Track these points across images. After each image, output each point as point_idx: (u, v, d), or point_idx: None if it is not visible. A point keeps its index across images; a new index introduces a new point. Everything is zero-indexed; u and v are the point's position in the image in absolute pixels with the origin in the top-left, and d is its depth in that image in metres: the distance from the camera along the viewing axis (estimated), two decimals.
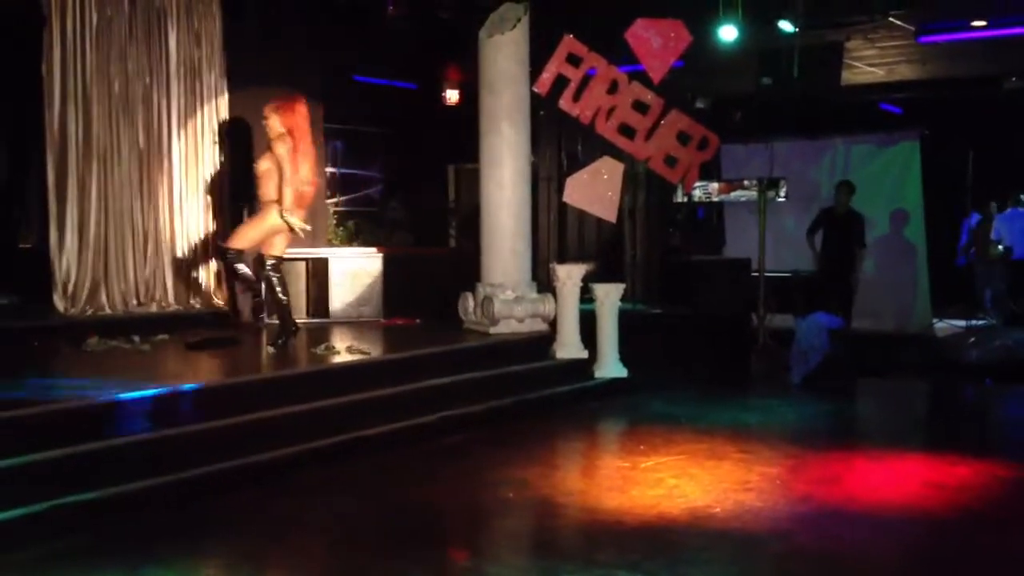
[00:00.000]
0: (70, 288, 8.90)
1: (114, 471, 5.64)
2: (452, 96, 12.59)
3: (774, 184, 10.90)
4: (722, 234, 12.62)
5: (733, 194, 11.74)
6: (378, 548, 5.10)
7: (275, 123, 7.91)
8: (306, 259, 10.21)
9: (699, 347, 10.01)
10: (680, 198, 12.14)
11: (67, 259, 8.90)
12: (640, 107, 9.08)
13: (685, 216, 12.29)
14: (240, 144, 10.06)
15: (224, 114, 9.95)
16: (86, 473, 5.55)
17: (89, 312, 8.91)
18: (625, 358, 9.11)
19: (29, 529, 5.10)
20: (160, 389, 6.73)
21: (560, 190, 10.10)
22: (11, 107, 10.13)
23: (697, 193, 11.63)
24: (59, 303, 8.86)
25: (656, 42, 8.89)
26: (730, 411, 8.38)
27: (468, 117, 9.85)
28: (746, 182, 11.43)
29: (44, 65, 8.76)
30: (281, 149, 7.82)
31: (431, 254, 11.14)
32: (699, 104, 12.19)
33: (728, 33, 10.35)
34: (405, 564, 4.82)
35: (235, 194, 9.95)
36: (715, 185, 11.62)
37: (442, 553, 5.12)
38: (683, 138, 9.16)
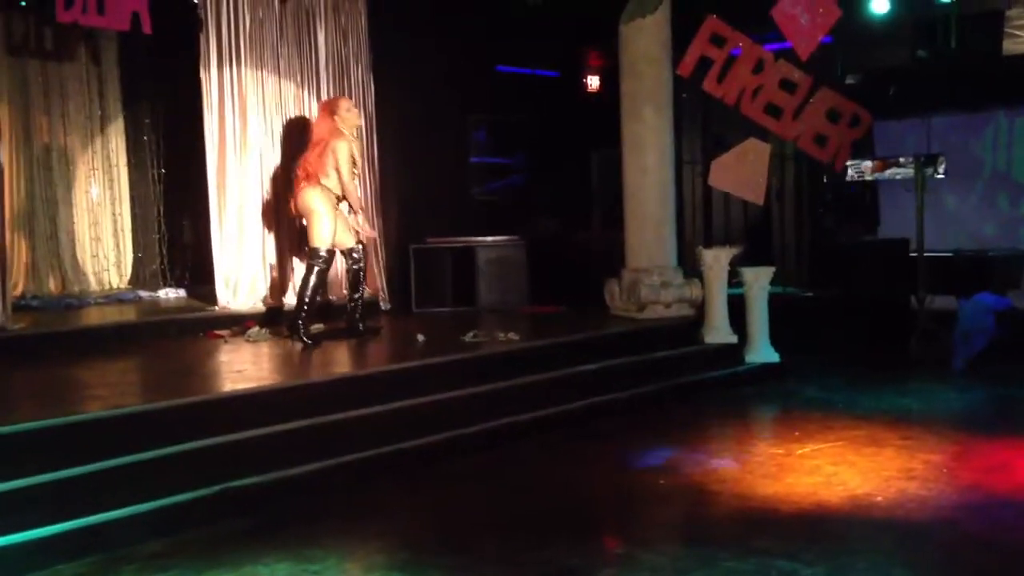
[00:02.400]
0: (231, 281, 9.23)
1: (277, 456, 5.83)
2: (593, 82, 12.53)
3: (932, 160, 10.43)
4: (877, 214, 12.17)
5: (888, 172, 11.27)
6: (530, 535, 5.11)
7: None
8: (451, 247, 10.33)
9: (854, 331, 9.69)
10: (832, 177, 11.76)
11: (227, 253, 9.23)
12: (787, 86, 8.85)
13: (836, 196, 11.89)
14: (388, 137, 10.25)
15: (371, 108, 10.13)
16: (251, 458, 5.75)
17: (250, 304, 9.22)
18: (776, 342, 8.91)
19: (199, 512, 5.32)
20: (316, 378, 6.99)
21: (705, 173, 9.95)
22: (172, 109, 10.60)
23: (849, 172, 11.23)
24: (221, 295, 9.21)
25: (804, 18, 8.63)
26: (889, 396, 8.09)
27: (610, 102, 9.79)
28: (901, 159, 10.97)
29: (202, 67, 9.08)
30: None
31: (575, 240, 11.14)
32: (850, 80, 11.76)
33: (880, 5, 9.98)
34: (557, 551, 4.82)
35: (385, 186, 10.16)
36: (868, 163, 11.19)
37: (594, 540, 5.11)
38: (833, 116, 8.88)
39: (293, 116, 9.63)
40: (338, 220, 8.16)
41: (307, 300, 8.01)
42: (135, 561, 4.79)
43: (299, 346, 7.84)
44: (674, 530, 5.44)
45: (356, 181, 8.30)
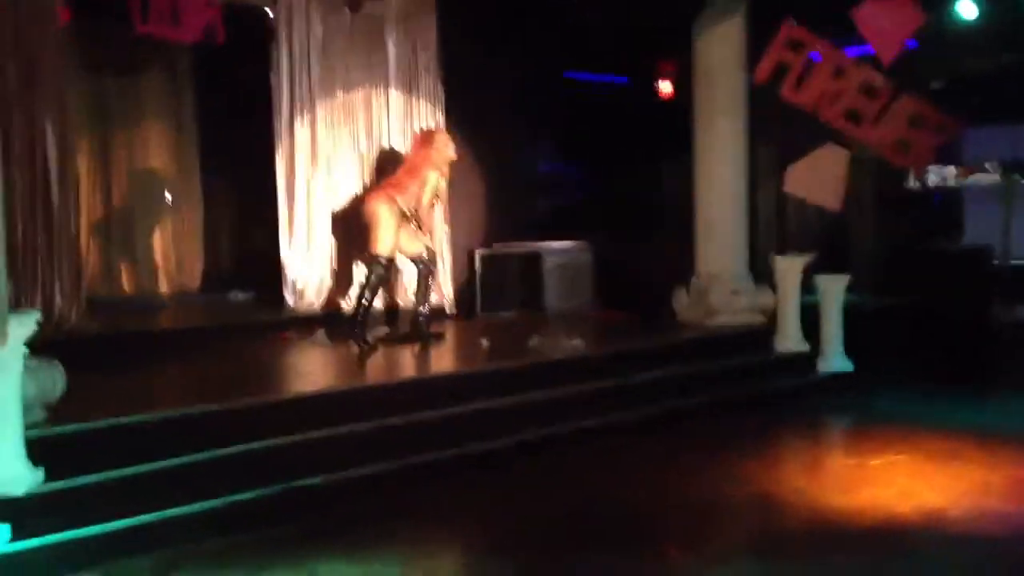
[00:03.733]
0: (299, 285, 9.30)
1: (338, 458, 5.84)
2: (665, 88, 12.40)
3: (1019, 167, 10.12)
4: (960, 221, 11.84)
5: (972, 178, 10.97)
6: (590, 542, 5.05)
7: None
8: (517, 254, 10.29)
9: (933, 341, 9.42)
10: (913, 184, 11.47)
11: (296, 258, 9.30)
12: (868, 91, 8.62)
13: (918, 203, 11.59)
14: (456, 143, 10.21)
15: (440, 117, 10.14)
16: (313, 459, 5.77)
17: (316, 307, 9.27)
18: (851, 352, 8.68)
19: (260, 511, 5.35)
20: (379, 382, 7.01)
21: (779, 180, 9.74)
22: (243, 117, 10.71)
23: (932, 178, 10.94)
24: (289, 299, 9.28)
25: (886, 23, 8.40)
26: (968, 408, 7.86)
27: (681, 109, 9.67)
28: (987, 165, 10.64)
29: (273, 76, 9.17)
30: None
31: (643, 247, 11.00)
32: (934, 85, 11.47)
33: (967, 9, 9.70)
34: (618, 563, 4.74)
35: (453, 192, 10.13)
36: (952, 169, 10.89)
37: (659, 553, 4.99)
38: (916, 122, 8.63)
39: (362, 125, 9.67)
40: (403, 229, 8.27)
41: (365, 305, 8.07)
42: (195, 558, 4.84)
43: (359, 349, 7.85)
44: (741, 543, 5.30)
45: (433, 211, 8.70)
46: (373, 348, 7.79)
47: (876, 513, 5.31)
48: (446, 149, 8.47)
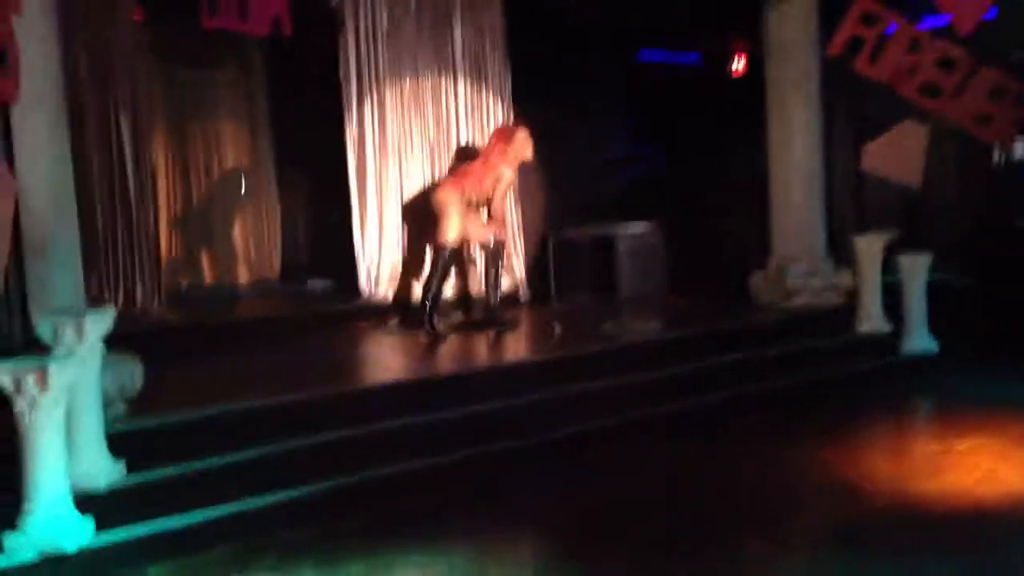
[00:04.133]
0: (372, 273, 9.37)
1: (415, 447, 5.89)
2: (738, 66, 12.19)
3: None
4: None
5: None
6: (665, 532, 5.01)
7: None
8: (590, 237, 10.22)
9: (1020, 320, 9.10)
10: (999, 158, 11.08)
11: (369, 247, 9.37)
12: (946, 64, 8.37)
13: (1005, 177, 11.17)
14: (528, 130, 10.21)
15: (508, 100, 10.10)
16: (390, 448, 5.82)
17: (389, 295, 9.33)
18: (935, 332, 8.44)
19: (338, 501, 5.41)
20: (453, 371, 7.04)
21: (857, 157, 9.54)
22: (315, 107, 10.80)
23: (1020, 151, 10.55)
24: (364, 287, 9.35)
25: None
26: None
27: (754, 87, 9.48)
28: None
29: (341, 68, 9.23)
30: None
31: (717, 229, 10.85)
32: (1016, 55, 11.06)
33: None
34: (696, 549, 4.70)
35: (524, 177, 10.10)
36: None
37: (736, 539, 4.91)
38: (997, 94, 8.36)
39: (431, 112, 9.68)
40: (471, 219, 8.37)
41: (432, 293, 8.17)
42: (270, 550, 4.89)
43: (429, 337, 7.89)
44: (821, 530, 5.18)
45: (505, 203, 8.80)
46: (442, 336, 7.81)
47: (959, 498, 5.18)
48: (525, 148, 8.56)
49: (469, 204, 8.43)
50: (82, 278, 5.80)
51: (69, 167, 5.82)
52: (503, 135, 8.73)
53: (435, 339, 7.75)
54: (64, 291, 5.41)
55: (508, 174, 8.49)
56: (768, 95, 9.02)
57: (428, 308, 8.07)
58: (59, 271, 5.50)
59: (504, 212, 8.77)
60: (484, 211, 8.58)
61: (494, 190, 8.47)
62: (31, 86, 5.42)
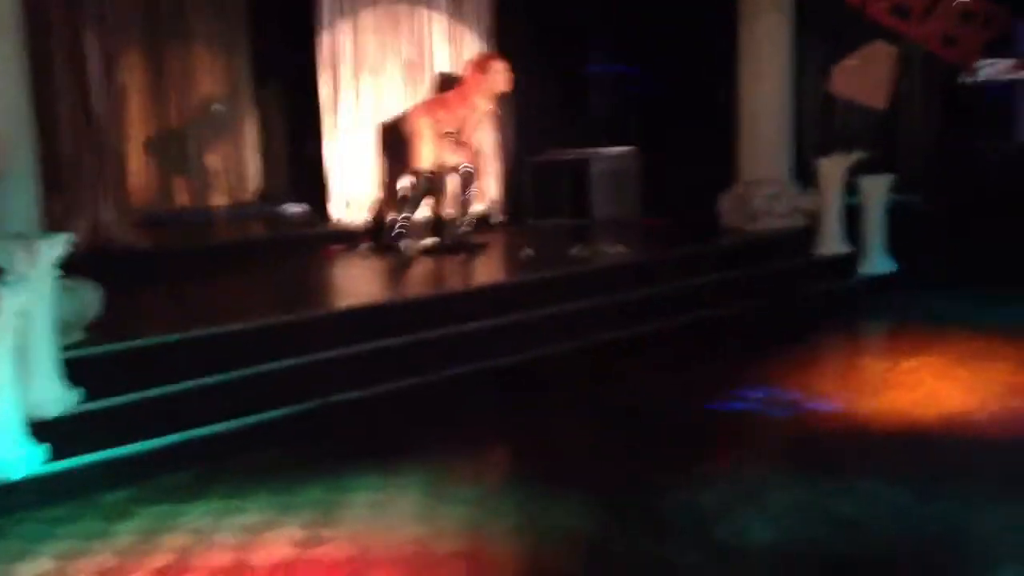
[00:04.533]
0: (345, 198, 9.40)
1: (375, 372, 5.97)
2: None
3: None
4: (1015, 117, 11.38)
5: None
6: (619, 453, 5.15)
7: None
8: (566, 160, 10.24)
9: (981, 241, 9.18)
10: (964, 80, 11.04)
11: (343, 171, 9.38)
12: None
13: (969, 99, 11.16)
14: (506, 47, 10.10)
15: (489, 19, 10.02)
16: (350, 374, 5.90)
17: (362, 220, 9.36)
18: (896, 253, 8.54)
19: (298, 426, 5.51)
20: (416, 295, 7.13)
21: (826, 78, 9.49)
22: (292, 27, 10.69)
23: (985, 72, 10.53)
24: (336, 212, 9.40)
25: None
26: (1011, 309, 7.67)
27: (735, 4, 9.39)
28: None
29: None
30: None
31: (692, 151, 10.85)
32: None
33: None
34: (646, 470, 4.84)
35: (503, 98, 10.05)
36: (1004, 64, 10.44)
37: (684, 460, 5.02)
38: (965, 16, 8.32)
39: (407, 30, 9.61)
40: (445, 143, 8.44)
41: (405, 217, 8.27)
42: (230, 474, 4.99)
43: (397, 260, 7.97)
44: (763, 449, 5.31)
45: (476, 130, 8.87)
46: (410, 260, 7.90)
47: (898, 417, 5.32)
48: (500, 80, 8.60)
49: (441, 131, 8.47)
50: (39, 203, 5.78)
51: (22, 91, 5.78)
52: (480, 65, 8.73)
53: (403, 262, 7.83)
54: (19, 216, 5.40)
55: (483, 105, 8.57)
56: (741, 18, 8.96)
57: (397, 232, 8.13)
58: (14, 196, 5.47)
59: (473, 141, 8.80)
60: (455, 138, 8.61)
61: (467, 119, 8.53)
62: None
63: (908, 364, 6.29)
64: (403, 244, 8.17)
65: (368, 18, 9.37)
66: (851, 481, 4.54)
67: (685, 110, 11.25)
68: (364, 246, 8.74)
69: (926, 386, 5.81)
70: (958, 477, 4.56)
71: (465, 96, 8.62)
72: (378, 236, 8.82)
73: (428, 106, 8.73)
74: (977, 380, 5.86)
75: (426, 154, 8.38)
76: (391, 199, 9.20)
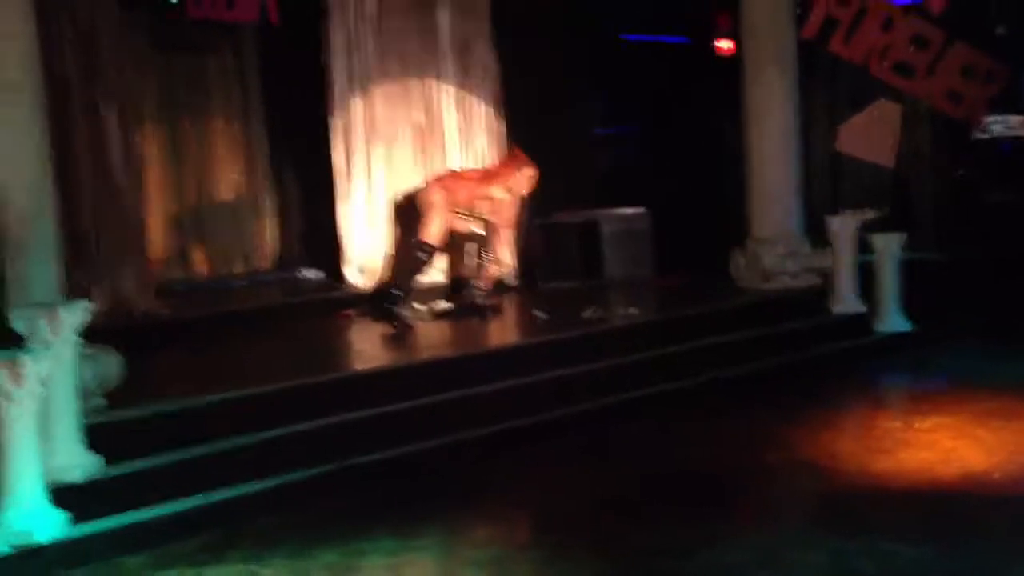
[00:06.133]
0: (359, 264, 9.48)
1: (390, 435, 6.00)
2: (724, 46, 12.22)
3: None
4: None
5: None
6: (637, 513, 5.14)
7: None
8: (576, 222, 10.33)
9: (994, 298, 9.17)
10: (978, 135, 11.14)
11: (357, 237, 9.49)
12: (919, 42, 8.46)
13: (982, 154, 11.25)
14: (513, 113, 10.30)
15: (496, 86, 10.20)
16: (365, 437, 5.94)
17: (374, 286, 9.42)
18: (911, 310, 8.55)
19: (313, 489, 5.53)
20: (432, 357, 7.17)
21: (833, 137, 9.62)
22: (306, 97, 10.89)
23: (997, 128, 10.63)
24: (350, 277, 9.47)
25: None
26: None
27: (740, 66, 9.54)
28: None
29: (324, 54, 9.32)
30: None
31: (704, 210, 10.94)
32: (1000, 31, 11.09)
33: None
34: (664, 531, 4.83)
35: None
36: (1017, 118, 10.55)
37: (699, 519, 5.02)
38: (968, 71, 8.45)
39: (418, 99, 9.77)
40: (455, 215, 8.56)
41: (403, 287, 8.32)
42: (247, 538, 5.00)
43: (397, 328, 7.95)
44: (780, 509, 5.32)
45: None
46: (409, 328, 7.89)
47: (915, 476, 5.31)
48: (525, 181, 8.75)
49: (454, 208, 8.58)
50: (60, 272, 5.88)
51: (47, 161, 5.92)
52: (514, 161, 8.93)
53: (403, 330, 7.84)
54: (41, 285, 5.51)
55: (499, 195, 8.61)
56: (745, 75, 9.09)
57: (397, 301, 8.19)
58: (37, 265, 5.60)
59: (509, 225, 8.86)
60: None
61: (480, 204, 8.62)
62: (6, 77, 5.53)
63: (925, 423, 6.27)
64: (402, 311, 8.18)
65: (380, 88, 9.54)
66: (872, 540, 4.51)
67: (694, 168, 11.38)
68: (354, 312, 8.78)
69: (944, 445, 5.79)
70: (978, 536, 4.54)
71: (487, 181, 8.73)
72: (376, 303, 8.84)
73: (447, 180, 8.84)
74: (994, 439, 5.83)
75: (436, 227, 8.44)
76: (398, 267, 9.28)
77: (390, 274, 9.20)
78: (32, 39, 5.87)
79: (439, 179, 8.94)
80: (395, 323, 7.91)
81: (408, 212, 9.10)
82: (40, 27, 5.98)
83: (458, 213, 8.60)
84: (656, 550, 4.60)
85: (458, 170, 9.41)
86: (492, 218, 8.58)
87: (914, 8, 8.56)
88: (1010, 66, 8.62)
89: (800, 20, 8.75)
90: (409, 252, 8.60)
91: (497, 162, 9.17)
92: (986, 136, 10.80)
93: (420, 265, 8.48)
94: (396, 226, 9.52)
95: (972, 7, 9.51)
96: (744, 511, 5.21)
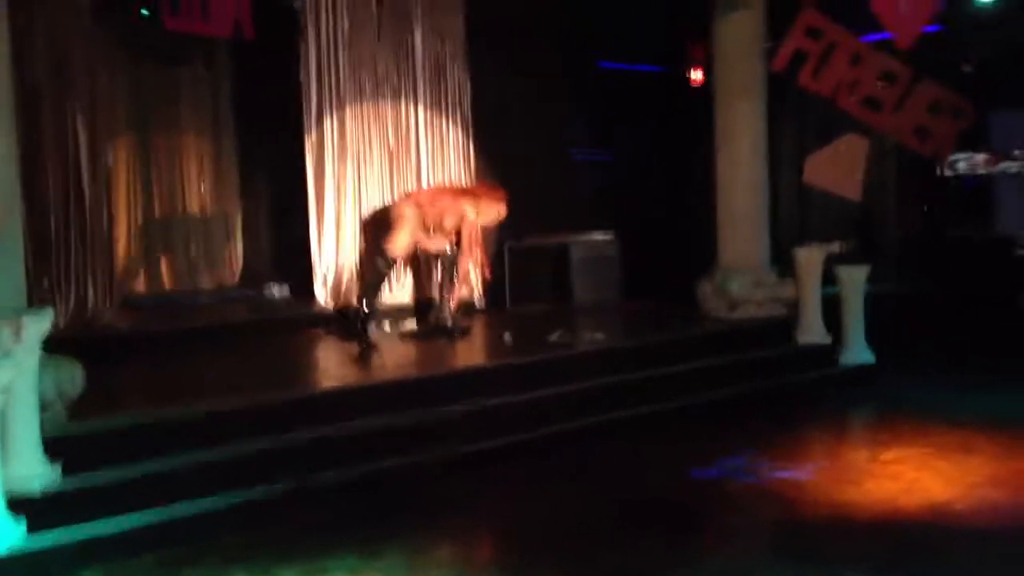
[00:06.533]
0: (329, 280, 9.45)
1: (355, 453, 5.98)
2: (697, 76, 12.35)
3: None
4: (991, 209, 11.65)
5: (1001, 165, 10.78)
6: (603, 535, 5.13)
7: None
8: (546, 246, 10.36)
9: (956, 331, 9.31)
10: (944, 172, 11.32)
11: (324, 254, 9.45)
12: (887, 78, 8.60)
13: (947, 191, 11.43)
14: (485, 135, 10.33)
15: (468, 108, 10.22)
16: (329, 454, 5.90)
17: (342, 303, 9.37)
18: (875, 342, 8.63)
19: (277, 506, 5.48)
20: (396, 377, 7.15)
21: (801, 169, 9.73)
22: (278, 111, 10.87)
23: (961, 166, 10.80)
24: (319, 294, 9.43)
25: (904, 7, 8.37)
26: (989, 401, 7.72)
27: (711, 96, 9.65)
28: (1016, 152, 10.46)
29: (301, 72, 9.31)
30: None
31: (674, 236, 11.01)
32: (966, 68, 11.29)
33: None
34: (625, 554, 4.83)
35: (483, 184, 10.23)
36: (981, 157, 10.72)
37: (663, 544, 5.02)
38: (935, 108, 8.59)
39: (389, 120, 9.77)
40: (423, 232, 8.56)
41: (367, 304, 8.29)
42: (207, 555, 4.94)
43: (363, 346, 7.84)
44: (743, 537, 5.30)
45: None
46: (373, 347, 7.86)
47: (878, 507, 5.33)
48: (494, 212, 8.82)
49: (423, 223, 8.57)
50: (24, 281, 5.81)
51: (13, 167, 5.82)
52: (487, 189, 9.06)
53: (364, 349, 7.79)
54: (5, 292, 5.40)
55: (469, 214, 8.59)
56: (715, 105, 9.18)
57: (362, 317, 8.15)
58: (1, 271, 5.51)
59: (472, 247, 8.77)
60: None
61: (448, 220, 8.59)
62: None
63: (889, 454, 6.33)
64: (368, 330, 8.13)
65: (352, 106, 9.53)
66: (837, 569, 4.55)
67: (664, 196, 11.46)
68: (321, 330, 8.75)
69: (907, 476, 5.83)
70: (939, 566, 4.59)
71: (459, 198, 8.72)
72: (343, 321, 8.77)
73: (419, 196, 8.87)
74: (956, 471, 5.88)
75: (402, 239, 8.43)
76: (363, 283, 9.25)
77: (358, 292, 9.16)
78: (4, 43, 5.80)
79: (411, 195, 8.97)
80: (361, 342, 7.85)
81: (377, 226, 9.09)
82: (12, 33, 5.90)
83: (427, 232, 8.58)
84: (621, 573, 4.59)
85: (431, 187, 9.40)
86: (460, 237, 8.56)
87: (883, 44, 8.67)
88: (976, 104, 8.73)
89: (770, 52, 8.83)
90: (372, 263, 8.56)
91: (474, 184, 9.17)
92: (952, 172, 10.97)
93: (380, 275, 8.46)
94: (364, 241, 9.50)
95: (940, 45, 9.66)
96: (710, 537, 5.22)
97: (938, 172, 11.21)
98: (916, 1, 8.31)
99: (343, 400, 6.52)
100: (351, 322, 8.25)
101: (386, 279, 8.67)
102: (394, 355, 7.87)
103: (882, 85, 8.59)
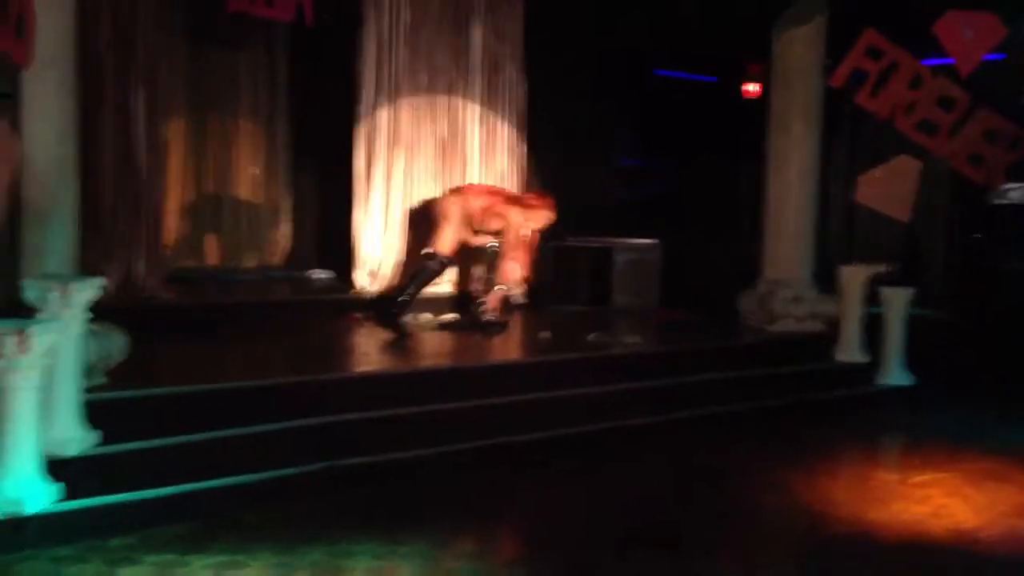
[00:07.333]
0: (371, 268, 9.52)
1: (385, 440, 6.01)
2: (752, 89, 12.32)
3: None
4: None
5: None
6: (617, 544, 5.13)
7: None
8: (588, 248, 10.37)
9: (1000, 360, 9.19)
10: (998, 200, 11.18)
11: (370, 242, 9.53)
12: (945, 103, 8.52)
13: (999, 219, 11.28)
14: (536, 135, 10.36)
15: (521, 108, 10.26)
16: (360, 439, 5.96)
17: (386, 290, 9.46)
18: (915, 366, 8.56)
19: (302, 487, 5.55)
20: (432, 366, 7.20)
21: (853, 187, 9.67)
22: (334, 98, 10.97)
23: (1014, 195, 10.68)
24: (361, 281, 9.52)
25: (967, 34, 8.29)
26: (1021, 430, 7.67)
27: (767, 110, 9.60)
28: None
29: (355, 61, 9.38)
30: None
31: (717, 247, 10.99)
32: None
33: None
34: (643, 564, 4.83)
35: (530, 183, 10.28)
36: None
37: (684, 555, 5.02)
38: (991, 136, 8.50)
39: (443, 113, 9.84)
40: (467, 230, 8.61)
41: (409, 294, 8.31)
42: (233, 530, 5.00)
43: (398, 335, 7.96)
44: (768, 550, 5.30)
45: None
46: (410, 336, 7.89)
47: (905, 529, 5.31)
48: (541, 219, 8.78)
49: (469, 222, 8.62)
50: (76, 246, 5.93)
51: (73, 136, 5.97)
52: (538, 195, 9.04)
53: (399, 338, 7.84)
54: (56, 258, 5.54)
55: (513, 218, 8.59)
56: (771, 120, 9.15)
57: (400, 307, 8.21)
58: (53, 238, 5.63)
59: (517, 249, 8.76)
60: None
61: (492, 222, 8.63)
62: (42, 52, 5.59)
63: (920, 478, 6.28)
64: (404, 318, 8.20)
65: (407, 99, 9.59)
66: None
67: (710, 208, 11.44)
68: (361, 316, 8.81)
69: (936, 501, 5.78)
70: None
71: (507, 202, 8.74)
72: (382, 308, 8.86)
73: (466, 192, 8.89)
74: (985, 500, 5.83)
75: (448, 237, 8.48)
76: (407, 274, 9.31)
77: (399, 281, 9.23)
78: (72, 17, 5.93)
79: (458, 190, 9.01)
80: (398, 329, 7.88)
81: (423, 220, 9.15)
82: (79, 6, 6.03)
83: (472, 228, 8.63)
84: None
85: (479, 184, 9.46)
86: (505, 237, 8.60)
87: (943, 69, 8.60)
88: None
89: (828, 70, 8.79)
90: (419, 260, 8.62)
91: (526, 192, 9.21)
92: (1004, 202, 10.83)
93: (428, 275, 8.49)
94: (410, 234, 9.56)
95: (999, 74, 9.55)
96: (733, 551, 5.18)
97: (989, 200, 11.07)
98: (981, 29, 8.22)
99: (376, 386, 6.60)
100: (388, 310, 8.30)
101: (435, 276, 8.66)
102: (429, 344, 7.92)
103: (939, 110, 8.49)
